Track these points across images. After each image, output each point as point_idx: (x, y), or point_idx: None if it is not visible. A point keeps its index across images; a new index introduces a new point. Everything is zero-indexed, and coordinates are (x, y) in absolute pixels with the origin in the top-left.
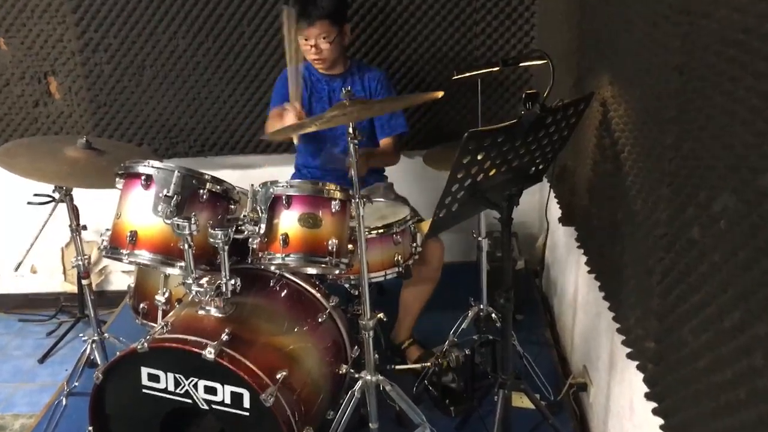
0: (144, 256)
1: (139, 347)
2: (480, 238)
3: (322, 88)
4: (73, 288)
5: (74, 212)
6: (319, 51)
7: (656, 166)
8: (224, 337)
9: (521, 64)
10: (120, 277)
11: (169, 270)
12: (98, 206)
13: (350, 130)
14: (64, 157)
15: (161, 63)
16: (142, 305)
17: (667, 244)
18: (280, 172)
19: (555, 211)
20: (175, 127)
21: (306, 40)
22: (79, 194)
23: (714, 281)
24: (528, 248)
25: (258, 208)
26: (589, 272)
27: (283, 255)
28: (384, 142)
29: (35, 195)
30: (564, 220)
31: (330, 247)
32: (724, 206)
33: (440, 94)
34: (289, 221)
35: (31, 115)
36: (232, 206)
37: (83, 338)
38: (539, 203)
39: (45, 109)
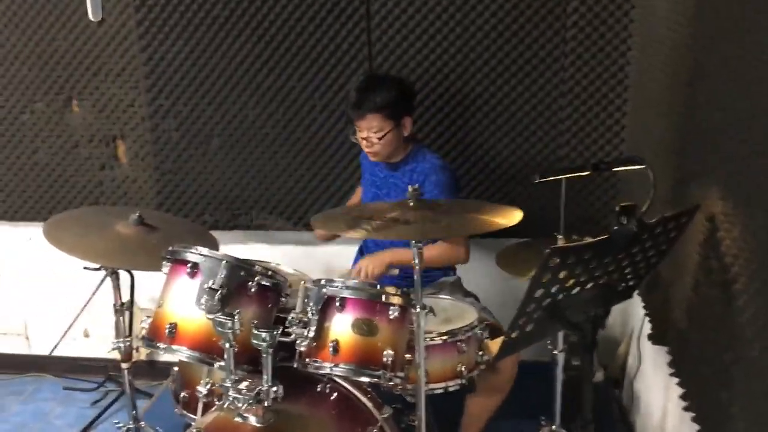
0: (182, 351)
1: None
2: (556, 351)
3: (376, 172)
4: None
5: (119, 291)
6: (371, 144)
7: None
8: None
9: (615, 169)
10: None
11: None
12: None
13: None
14: (113, 234)
15: (229, 133)
16: (183, 393)
17: None
18: (345, 252)
19: (639, 315)
20: (238, 199)
21: (358, 130)
22: None
23: None
24: (608, 354)
25: (309, 308)
26: (686, 409)
27: (332, 364)
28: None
29: (84, 268)
30: (655, 338)
31: (385, 359)
32: None
33: (519, 215)
34: (341, 326)
35: (97, 178)
36: (284, 298)
37: (118, 424)
38: (623, 305)
39: (111, 172)
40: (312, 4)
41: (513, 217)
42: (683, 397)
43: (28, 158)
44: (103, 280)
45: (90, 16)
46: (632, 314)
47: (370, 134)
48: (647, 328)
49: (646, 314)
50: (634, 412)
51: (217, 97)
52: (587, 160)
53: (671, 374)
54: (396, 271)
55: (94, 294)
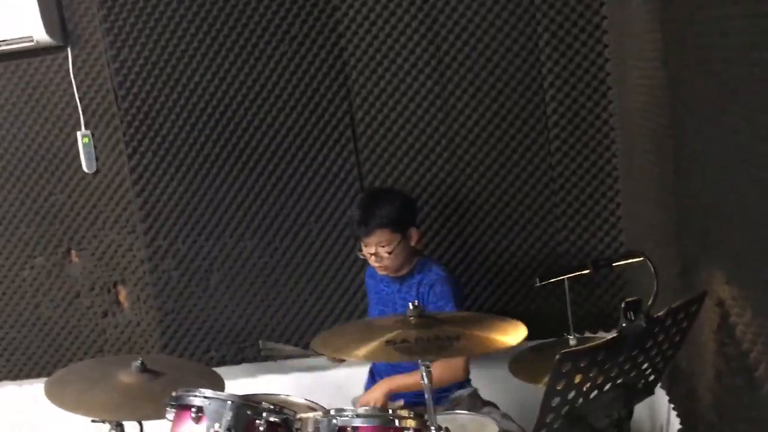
0: None
1: None
2: None
3: (380, 289)
4: None
5: None
6: (380, 259)
7: None
8: None
9: (615, 264)
10: None
11: None
12: None
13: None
14: (116, 384)
15: (228, 266)
16: None
17: None
18: (356, 374)
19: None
20: (243, 332)
21: (366, 247)
22: None
23: None
24: None
25: None
26: None
27: None
28: None
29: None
30: None
31: None
32: None
33: (523, 333)
34: None
35: (100, 326)
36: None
37: None
38: (647, 401)
39: (114, 319)
40: (299, 132)
41: (517, 334)
42: None
43: (31, 314)
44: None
45: (84, 168)
46: (658, 411)
47: (379, 249)
48: (676, 423)
49: (672, 408)
50: None
51: (213, 232)
52: (587, 254)
53: None
54: (401, 402)
55: None
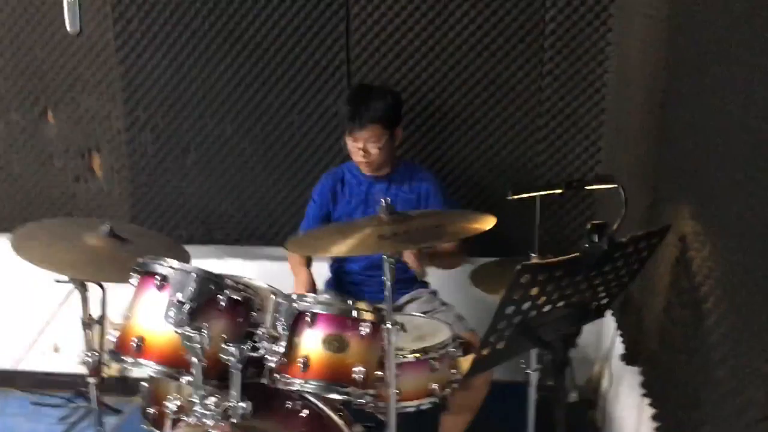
0: (149, 366)
1: None
2: (529, 371)
3: (361, 191)
4: None
5: (86, 304)
6: (368, 155)
7: (753, 335)
8: None
9: (587, 188)
10: None
11: (175, 382)
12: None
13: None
14: (83, 245)
15: (206, 147)
16: (151, 410)
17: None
18: (322, 268)
19: (612, 335)
20: (213, 214)
21: (354, 141)
22: None
23: None
24: (583, 376)
25: (279, 323)
26: (658, 430)
27: (302, 381)
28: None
29: (55, 281)
30: (628, 359)
31: (356, 376)
32: None
33: (492, 221)
34: (312, 342)
35: (71, 190)
36: (255, 313)
37: None
38: (596, 326)
39: (85, 185)
40: (292, 20)
41: (486, 222)
42: (655, 417)
43: (1, 169)
44: (71, 292)
45: (68, 27)
46: (606, 335)
47: (368, 144)
48: (620, 348)
49: (619, 335)
50: None
51: (195, 111)
52: (563, 180)
53: (643, 395)
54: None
55: (60, 307)
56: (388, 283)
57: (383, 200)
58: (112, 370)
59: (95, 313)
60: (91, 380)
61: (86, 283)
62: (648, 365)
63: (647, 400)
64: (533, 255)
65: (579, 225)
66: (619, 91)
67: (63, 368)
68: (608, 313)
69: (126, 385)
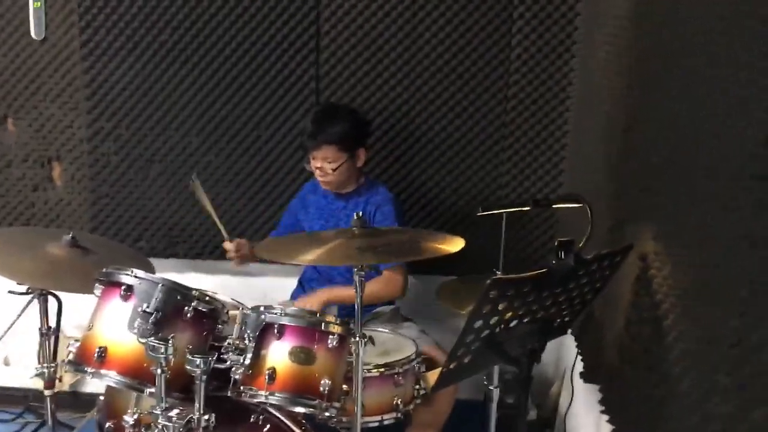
0: (111, 376)
1: None
2: (491, 387)
3: (322, 205)
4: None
5: (46, 314)
6: (324, 174)
7: (712, 348)
8: None
9: (554, 206)
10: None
11: (138, 393)
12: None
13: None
14: (44, 254)
15: (171, 159)
16: (108, 424)
17: None
18: (283, 283)
19: (572, 353)
20: (176, 227)
21: (313, 159)
22: None
23: None
24: (541, 394)
25: (246, 335)
26: None
27: (267, 393)
28: (388, 273)
29: (9, 292)
30: (586, 377)
31: (322, 388)
32: None
33: (460, 242)
34: (278, 354)
35: (29, 199)
36: (220, 326)
37: None
38: (556, 345)
39: (44, 194)
40: (262, 35)
41: (455, 244)
42: None
43: None
44: (30, 302)
45: (32, 34)
46: (565, 353)
47: (324, 164)
48: (579, 366)
49: (579, 353)
50: None
51: (160, 122)
52: (530, 198)
53: (602, 411)
54: (334, 309)
55: (18, 317)
56: (358, 298)
57: (356, 214)
58: (64, 383)
59: (52, 324)
60: (47, 392)
61: (46, 293)
62: (607, 382)
63: (605, 417)
64: (498, 272)
65: (542, 244)
66: (582, 114)
67: (13, 383)
68: (569, 331)
69: (79, 401)
